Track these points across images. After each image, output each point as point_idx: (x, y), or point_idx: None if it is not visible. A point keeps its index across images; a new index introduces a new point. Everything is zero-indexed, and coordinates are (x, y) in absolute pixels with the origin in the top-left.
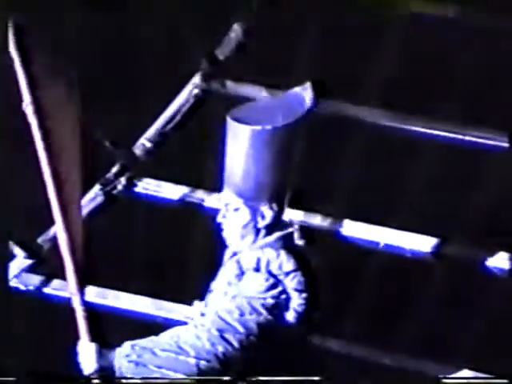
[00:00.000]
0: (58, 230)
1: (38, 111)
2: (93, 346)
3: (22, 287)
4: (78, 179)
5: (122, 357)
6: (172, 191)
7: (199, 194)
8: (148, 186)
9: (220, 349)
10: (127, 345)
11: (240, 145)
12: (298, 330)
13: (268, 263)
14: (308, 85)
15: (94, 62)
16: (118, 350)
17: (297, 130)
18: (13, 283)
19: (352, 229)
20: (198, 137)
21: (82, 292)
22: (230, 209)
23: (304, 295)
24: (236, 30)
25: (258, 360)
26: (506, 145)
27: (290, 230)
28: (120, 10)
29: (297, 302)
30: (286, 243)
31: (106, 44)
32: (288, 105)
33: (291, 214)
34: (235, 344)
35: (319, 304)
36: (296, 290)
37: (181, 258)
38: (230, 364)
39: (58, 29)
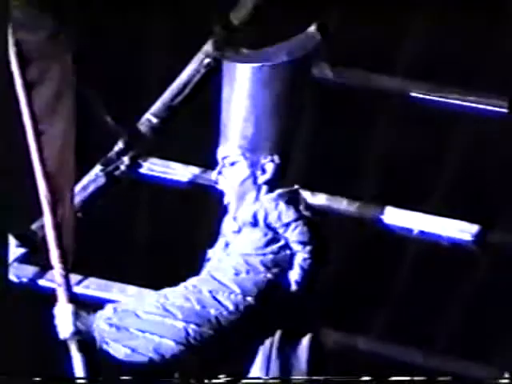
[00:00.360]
0: (46, 218)
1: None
2: (70, 308)
3: (15, 279)
4: (71, 164)
5: (103, 320)
6: (181, 172)
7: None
8: (154, 167)
9: (212, 311)
10: (109, 307)
11: (238, 87)
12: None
13: (266, 215)
14: (313, 28)
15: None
16: (98, 312)
17: (301, 70)
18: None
19: (383, 214)
20: (209, 111)
21: (67, 282)
22: (226, 163)
23: (308, 248)
24: None
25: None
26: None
27: (295, 188)
28: None
29: (301, 256)
30: (289, 199)
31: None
32: (292, 46)
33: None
34: (230, 306)
35: (326, 260)
36: (299, 242)
37: (190, 245)
38: (225, 329)
39: None
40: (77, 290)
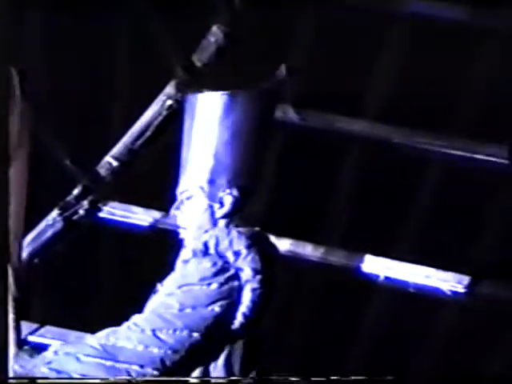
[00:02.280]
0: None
1: None
2: (13, 351)
3: None
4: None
5: (44, 364)
6: (142, 216)
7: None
8: (114, 211)
9: (155, 351)
10: (50, 350)
11: (197, 118)
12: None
13: (217, 243)
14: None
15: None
16: (40, 355)
17: (261, 104)
18: None
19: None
20: (171, 154)
21: (17, 326)
22: (184, 197)
23: (259, 277)
24: (215, 33)
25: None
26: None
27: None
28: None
29: (250, 286)
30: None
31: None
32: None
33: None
34: (174, 344)
35: (273, 295)
36: (250, 269)
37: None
38: (170, 368)
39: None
40: (32, 338)
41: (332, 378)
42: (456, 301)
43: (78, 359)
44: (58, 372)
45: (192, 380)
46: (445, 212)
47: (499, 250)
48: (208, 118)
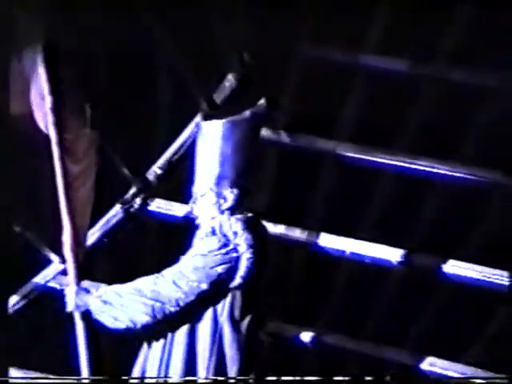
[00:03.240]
0: (66, 232)
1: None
2: (74, 288)
3: (58, 287)
4: (91, 197)
5: (96, 297)
6: (179, 209)
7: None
8: (159, 206)
9: (173, 294)
10: (102, 289)
11: (207, 139)
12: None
13: (221, 226)
14: (262, 101)
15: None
16: (94, 292)
17: (250, 128)
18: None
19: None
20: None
21: (77, 272)
22: (198, 195)
23: (252, 250)
24: (230, 80)
25: None
26: None
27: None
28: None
29: (246, 256)
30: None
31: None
32: (246, 113)
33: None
34: (187, 290)
35: (265, 261)
36: (246, 245)
37: None
38: (183, 308)
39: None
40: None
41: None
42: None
43: (119, 295)
44: (104, 302)
45: (200, 380)
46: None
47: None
48: (213, 138)
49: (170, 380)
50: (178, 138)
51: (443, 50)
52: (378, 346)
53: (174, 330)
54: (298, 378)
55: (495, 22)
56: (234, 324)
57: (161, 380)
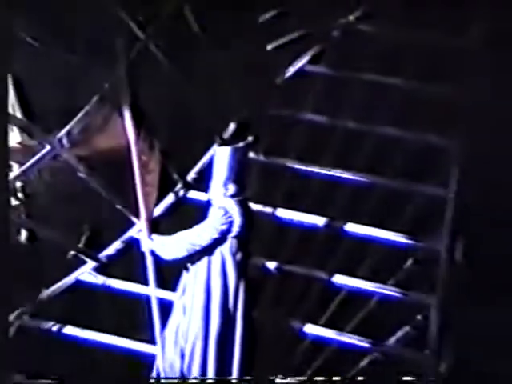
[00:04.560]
0: (141, 197)
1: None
2: (146, 237)
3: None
4: (155, 189)
5: (158, 242)
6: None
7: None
8: (194, 195)
9: (198, 240)
10: (162, 237)
11: (219, 158)
12: None
13: (224, 205)
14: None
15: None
16: (157, 239)
17: (241, 153)
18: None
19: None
20: None
21: (148, 227)
22: (213, 188)
23: (241, 218)
24: (233, 126)
25: None
26: None
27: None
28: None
29: (237, 223)
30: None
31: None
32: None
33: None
34: (195, 240)
35: (252, 226)
36: (238, 213)
37: None
38: (206, 248)
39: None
40: None
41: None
42: None
43: (170, 241)
44: (163, 245)
45: (209, 380)
46: None
47: None
48: (223, 157)
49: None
50: (204, 156)
51: None
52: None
53: (198, 260)
54: (303, 378)
55: None
56: (234, 261)
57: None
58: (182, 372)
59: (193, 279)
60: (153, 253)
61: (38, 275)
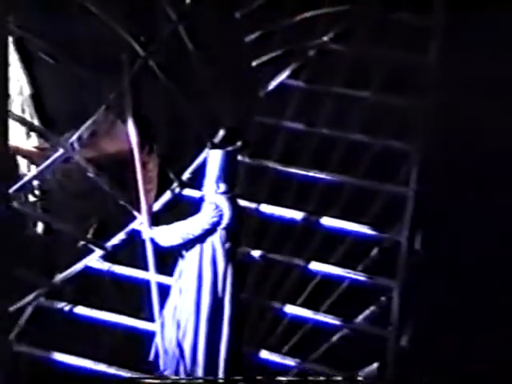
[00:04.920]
0: (141, 183)
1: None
2: (147, 227)
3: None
4: (155, 186)
5: (156, 231)
6: (197, 195)
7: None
8: (189, 193)
9: (191, 230)
10: (159, 228)
11: (211, 160)
12: None
13: (215, 200)
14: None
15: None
16: (155, 229)
17: (233, 155)
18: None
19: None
20: None
21: (149, 217)
22: (206, 186)
23: (230, 212)
24: (222, 132)
25: None
26: None
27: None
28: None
29: (227, 216)
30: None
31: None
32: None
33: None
34: (189, 230)
35: (242, 220)
36: (228, 208)
37: None
38: (198, 237)
39: None
40: None
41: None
42: None
43: (167, 230)
44: (160, 233)
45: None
46: None
47: None
48: (215, 159)
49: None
50: (197, 158)
51: None
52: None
53: (191, 248)
54: (292, 379)
55: None
56: (223, 249)
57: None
58: (178, 344)
59: (187, 265)
60: (152, 241)
61: (53, 262)
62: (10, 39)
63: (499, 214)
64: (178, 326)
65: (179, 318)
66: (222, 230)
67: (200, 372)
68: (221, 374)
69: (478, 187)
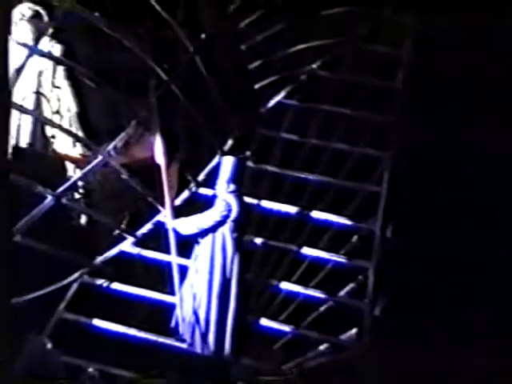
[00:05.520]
0: (166, 183)
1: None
2: (170, 219)
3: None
4: (176, 185)
5: (178, 222)
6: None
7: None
8: (204, 192)
9: (205, 221)
10: (181, 219)
11: (224, 165)
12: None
13: (225, 197)
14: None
15: None
16: (178, 221)
17: (241, 162)
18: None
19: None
20: None
21: (172, 211)
22: (218, 186)
23: (238, 208)
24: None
25: None
26: None
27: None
28: None
29: (235, 210)
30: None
31: None
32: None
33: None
34: (211, 220)
35: (248, 216)
36: (236, 205)
37: None
38: (211, 228)
39: None
40: None
41: None
42: None
43: (186, 221)
44: (182, 223)
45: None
46: None
47: None
48: (227, 164)
49: None
50: (210, 163)
51: None
52: None
53: (205, 236)
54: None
55: None
56: (232, 238)
57: None
58: (194, 313)
59: (202, 250)
60: (174, 230)
61: (94, 247)
62: (61, 67)
63: (455, 208)
64: (194, 300)
65: (195, 293)
66: (231, 222)
67: (211, 336)
68: (228, 337)
69: (439, 187)
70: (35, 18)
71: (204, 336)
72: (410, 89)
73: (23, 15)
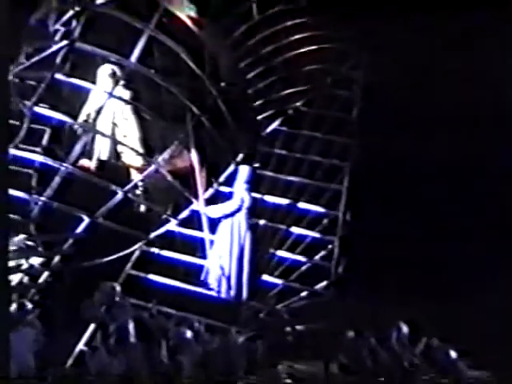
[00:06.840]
0: (199, 183)
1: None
2: (203, 206)
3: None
4: (204, 185)
5: (209, 209)
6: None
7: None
8: (224, 189)
9: (223, 211)
10: (211, 206)
11: (240, 172)
12: None
13: (240, 193)
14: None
15: None
16: (209, 208)
17: (253, 170)
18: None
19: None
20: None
21: (203, 204)
22: (236, 185)
23: (250, 201)
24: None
25: None
26: None
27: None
28: None
29: (247, 203)
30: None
31: None
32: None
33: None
34: (227, 211)
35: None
36: (247, 199)
37: None
38: (226, 216)
39: None
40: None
41: None
42: None
43: (214, 208)
44: (211, 211)
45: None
46: None
47: None
48: (243, 172)
49: None
50: (226, 170)
51: None
52: None
53: (227, 219)
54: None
55: None
56: (246, 221)
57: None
58: (221, 268)
59: (225, 228)
60: (205, 214)
61: (149, 226)
62: (129, 106)
63: (395, 199)
64: (219, 262)
65: (220, 257)
66: (245, 210)
67: (233, 285)
68: (244, 287)
69: (384, 184)
70: (113, 74)
71: (228, 285)
72: (362, 119)
73: (105, 73)
